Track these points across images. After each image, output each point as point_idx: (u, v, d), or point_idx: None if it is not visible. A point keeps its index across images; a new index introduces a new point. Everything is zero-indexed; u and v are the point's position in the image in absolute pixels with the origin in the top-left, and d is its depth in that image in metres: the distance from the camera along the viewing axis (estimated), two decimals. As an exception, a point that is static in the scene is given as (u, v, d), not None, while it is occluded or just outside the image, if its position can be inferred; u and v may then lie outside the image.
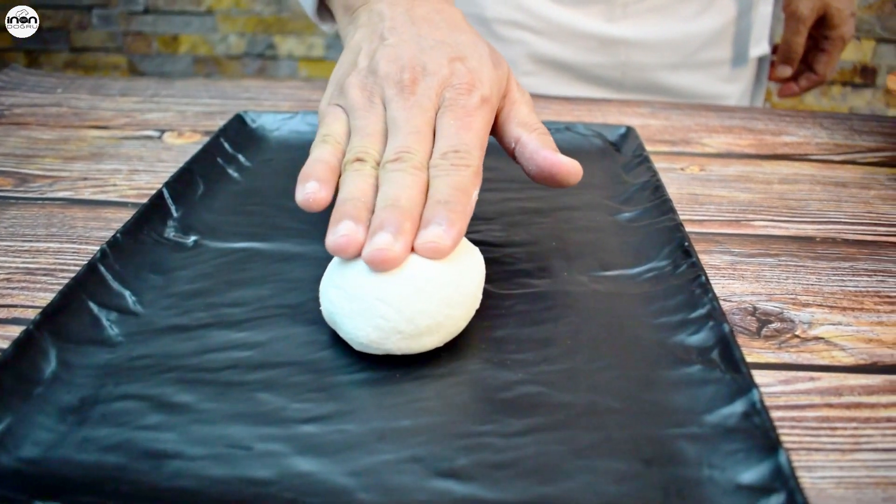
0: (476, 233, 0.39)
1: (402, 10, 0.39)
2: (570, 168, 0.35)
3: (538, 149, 0.35)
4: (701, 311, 0.31)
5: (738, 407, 0.26)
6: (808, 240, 0.42)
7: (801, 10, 0.70)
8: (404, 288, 0.28)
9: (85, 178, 0.46)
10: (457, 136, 0.33)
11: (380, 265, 0.28)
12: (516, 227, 0.40)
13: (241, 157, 0.47)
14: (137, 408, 0.26)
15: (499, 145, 0.38)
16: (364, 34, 0.39)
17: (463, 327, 0.30)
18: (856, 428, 0.27)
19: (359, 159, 0.33)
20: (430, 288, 0.28)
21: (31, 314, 0.32)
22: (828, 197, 0.47)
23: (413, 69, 0.35)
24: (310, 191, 0.31)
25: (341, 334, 0.29)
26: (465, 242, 0.33)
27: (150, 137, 0.53)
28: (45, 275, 0.36)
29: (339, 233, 0.29)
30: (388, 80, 0.35)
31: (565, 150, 0.50)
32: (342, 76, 0.37)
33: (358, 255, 0.29)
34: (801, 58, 0.74)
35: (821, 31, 0.72)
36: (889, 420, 0.28)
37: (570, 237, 0.39)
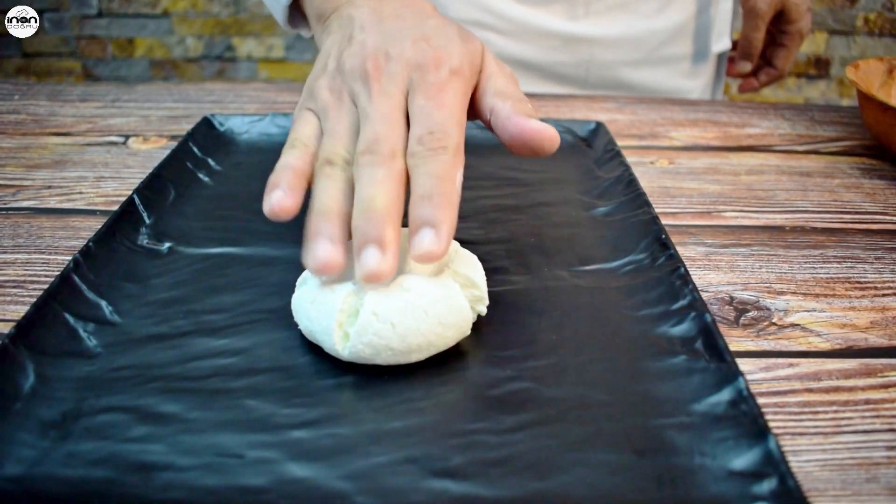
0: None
1: (370, 11, 0.38)
2: (544, 133, 0.33)
3: (510, 115, 0.34)
4: (682, 303, 0.31)
5: (725, 395, 0.26)
6: (778, 229, 0.42)
7: (759, 5, 0.71)
8: (398, 301, 0.28)
9: (49, 187, 0.45)
10: (430, 116, 0.32)
11: (374, 282, 0.28)
12: (493, 225, 0.40)
13: (210, 162, 0.47)
14: (122, 420, 0.26)
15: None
16: (334, 39, 0.38)
17: (452, 345, 0.30)
18: (836, 411, 0.28)
19: (329, 162, 0.32)
20: (425, 304, 0.28)
21: (4, 328, 0.31)
22: (794, 186, 0.48)
23: (375, 58, 0.34)
24: (275, 200, 0.30)
25: (326, 349, 0.29)
26: (469, 256, 0.32)
27: (114, 143, 0.52)
28: (14, 287, 0.35)
29: (318, 257, 0.28)
30: (353, 73, 0.34)
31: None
32: (312, 80, 0.37)
33: (338, 273, 0.29)
34: (760, 53, 0.75)
35: (779, 26, 0.74)
36: (867, 402, 0.29)
37: (548, 233, 0.39)
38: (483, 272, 0.32)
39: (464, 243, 0.36)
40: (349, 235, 0.29)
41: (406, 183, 0.31)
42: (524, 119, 0.33)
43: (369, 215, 0.29)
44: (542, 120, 0.53)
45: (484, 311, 0.31)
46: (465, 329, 0.29)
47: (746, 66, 0.76)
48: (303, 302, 0.30)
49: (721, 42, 0.76)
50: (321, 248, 0.28)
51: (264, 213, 0.30)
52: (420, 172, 0.30)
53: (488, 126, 0.36)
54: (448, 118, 0.32)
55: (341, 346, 0.28)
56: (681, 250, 0.39)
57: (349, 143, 0.33)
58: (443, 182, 0.30)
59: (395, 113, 0.32)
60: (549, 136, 0.33)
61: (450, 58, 0.34)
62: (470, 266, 0.32)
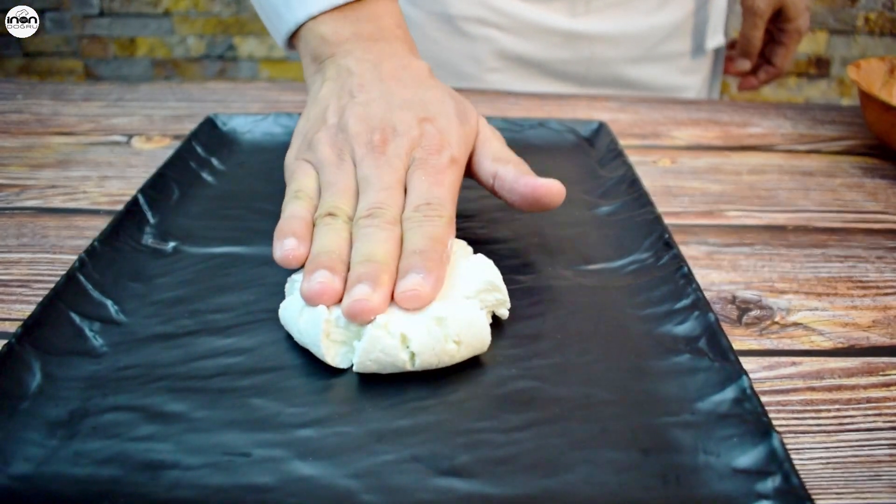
0: (458, 230, 0.39)
1: (370, 67, 0.39)
2: (553, 188, 0.35)
3: (517, 177, 0.36)
4: (686, 302, 0.32)
5: (729, 393, 0.26)
6: (780, 228, 0.43)
7: (758, 4, 0.71)
8: (412, 317, 0.28)
9: (53, 186, 0.45)
10: (429, 191, 0.34)
11: (359, 316, 0.28)
12: (497, 224, 0.41)
13: (214, 161, 0.47)
14: (129, 419, 0.26)
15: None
16: (332, 89, 0.39)
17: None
18: (839, 409, 0.28)
19: (330, 214, 0.33)
20: (443, 324, 0.28)
21: (10, 327, 0.32)
22: (796, 186, 0.49)
23: (383, 130, 0.36)
24: (288, 247, 0.32)
25: (327, 361, 0.29)
26: (484, 260, 0.32)
27: (117, 143, 0.52)
28: (20, 286, 0.35)
29: (315, 280, 0.29)
30: (359, 139, 0.36)
31: (539, 146, 0.51)
32: (311, 131, 0.38)
33: (332, 303, 0.29)
34: (759, 51, 0.75)
35: (777, 24, 0.74)
36: (869, 400, 0.29)
37: (551, 232, 0.39)
38: (500, 274, 0.32)
39: (467, 242, 0.36)
40: (346, 272, 0.30)
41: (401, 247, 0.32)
42: (532, 179, 0.36)
43: (367, 263, 0.30)
44: (543, 120, 0.53)
45: (506, 314, 0.31)
46: (481, 349, 0.29)
47: (746, 65, 0.76)
48: (291, 311, 0.30)
49: (716, 38, 0.76)
50: (319, 274, 0.29)
51: (276, 259, 0.32)
52: (415, 232, 0.32)
53: (490, 189, 0.38)
54: (445, 195, 0.34)
55: (331, 356, 0.29)
56: (683, 249, 0.39)
57: (350, 199, 0.34)
58: (435, 242, 0.31)
59: (397, 184, 0.34)
60: (558, 191, 0.35)
61: (450, 146, 0.36)
62: (489, 270, 0.32)
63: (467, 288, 0.31)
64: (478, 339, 0.29)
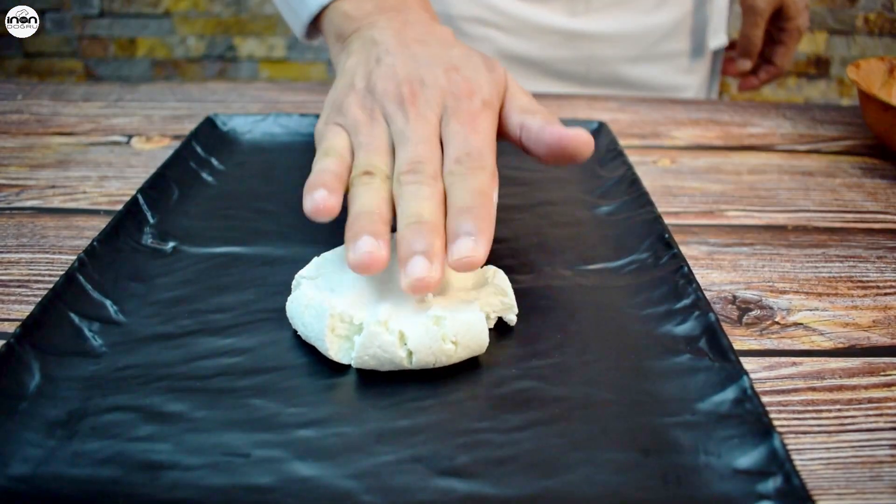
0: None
1: (394, 34, 0.39)
2: (580, 137, 0.34)
3: (543, 126, 0.35)
4: (686, 302, 0.32)
5: (730, 394, 0.26)
6: (780, 228, 0.43)
7: (758, 3, 0.71)
8: (412, 315, 0.28)
9: (53, 186, 0.45)
10: (466, 140, 0.33)
11: (421, 291, 0.28)
12: (497, 224, 0.40)
13: (214, 161, 0.47)
14: (128, 419, 0.26)
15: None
16: (358, 59, 0.39)
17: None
18: (839, 410, 0.28)
19: (368, 172, 0.32)
20: (442, 323, 0.28)
21: (10, 327, 0.32)
22: (796, 186, 0.48)
23: (411, 83, 0.35)
24: (319, 198, 0.30)
25: (329, 355, 0.29)
26: (501, 278, 0.32)
27: (117, 143, 0.52)
28: (19, 286, 0.35)
29: (361, 249, 0.28)
30: (388, 96, 0.35)
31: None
32: (339, 97, 0.37)
33: (382, 269, 0.29)
34: (759, 51, 0.75)
35: (777, 23, 0.74)
36: (870, 401, 0.29)
37: (551, 232, 0.39)
38: (507, 279, 0.32)
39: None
40: (390, 239, 0.30)
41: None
42: (559, 127, 0.34)
43: (417, 227, 0.29)
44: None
45: (514, 319, 0.31)
46: (478, 351, 0.29)
47: (746, 64, 0.76)
48: (297, 306, 0.30)
49: (718, 38, 0.76)
50: (364, 242, 0.28)
51: (306, 211, 0.30)
52: (459, 188, 0.31)
53: (518, 143, 0.36)
54: (483, 143, 0.33)
55: (335, 351, 0.29)
56: (683, 249, 0.39)
57: (387, 157, 0.33)
58: (482, 196, 0.31)
59: (433, 136, 0.34)
60: (586, 140, 0.34)
61: (480, 89, 0.36)
62: (496, 275, 0.32)
63: (472, 290, 0.31)
64: (476, 341, 0.29)
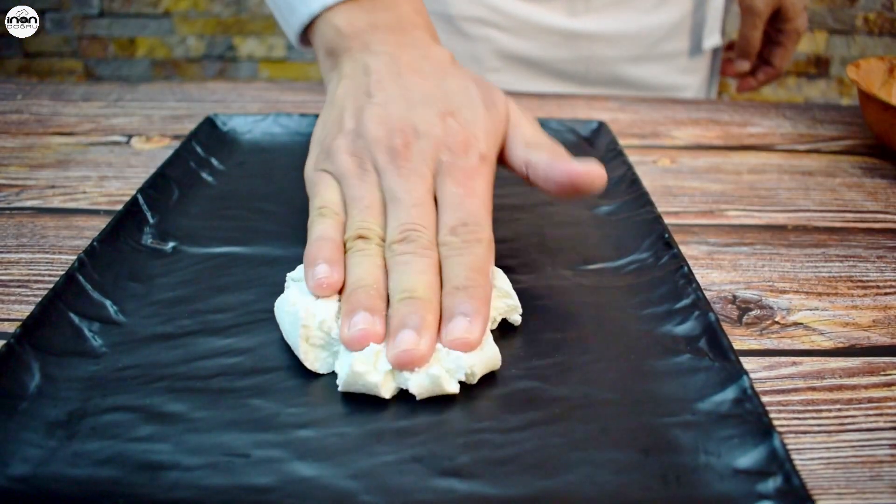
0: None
1: (388, 60, 0.37)
2: (592, 173, 0.32)
3: (551, 164, 0.33)
4: (686, 301, 0.32)
5: (730, 394, 0.26)
6: (780, 228, 0.43)
7: (756, 4, 0.71)
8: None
9: (53, 186, 0.45)
10: (462, 205, 0.31)
11: (408, 366, 0.27)
12: (496, 224, 0.40)
13: (214, 161, 0.47)
14: (128, 419, 0.26)
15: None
16: (348, 88, 0.37)
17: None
18: (839, 409, 0.28)
19: (361, 237, 0.31)
20: (444, 353, 0.27)
21: (10, 327, 0.32)
22: (796, 186, 0.48)
23: (404, 132, 0.34)
24: (321, 275, 0.30)
25: (307, 365, 0.28)
26: (502, 279, 0.31)
27: (117, 143, 0.52)
28: (19, 286, 0.35)
29: (357, 325, 0.28)
30: (379, 145, 0.34)
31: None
32: (328, 138, 0.36)
33: (379, 342, 0.28)
34: (757, 52, 0.75)
35: (775, 24, 0.74)
36: (870, 400, 0.29)
37: (551, 232, 0.39)
38: (508, 279, 0.32)
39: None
40: (385, 310, 0.29)
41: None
42: (567, 163, 0.33)
43: (410, 302, 0.28)
44: (544, 120, 0.53)
45: (519, 320, 0.31)
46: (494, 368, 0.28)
47: (745, 65, 0.76)
48: (280, 310, 0.30)
49: (713, 38, 0.76)
50: (360, 317, 0.28)
51: (310, 288, 0.30)
52: (455, 263, 0.30)
53: (524, 178, 0.35)
54: (480, 208, 0.32)
55: (310, 361, 0.28)
56: (683, 249, 0.39)
57: (379, 216, 0.32)
58: (478, 274, 0.30)
59: (427, 196, 0.32)
60: (598, 175, 0.33)
61: (477, 140, 0.34)
62: (498, 277, 0.32)
63: None
64: (488, 366, 0.28)
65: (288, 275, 0.32)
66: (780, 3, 0.72)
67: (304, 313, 0.29)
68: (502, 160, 0.36)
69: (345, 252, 0.31)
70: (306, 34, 0.44)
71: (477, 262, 0.30)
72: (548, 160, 0.34)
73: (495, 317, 0.31)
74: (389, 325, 0.28)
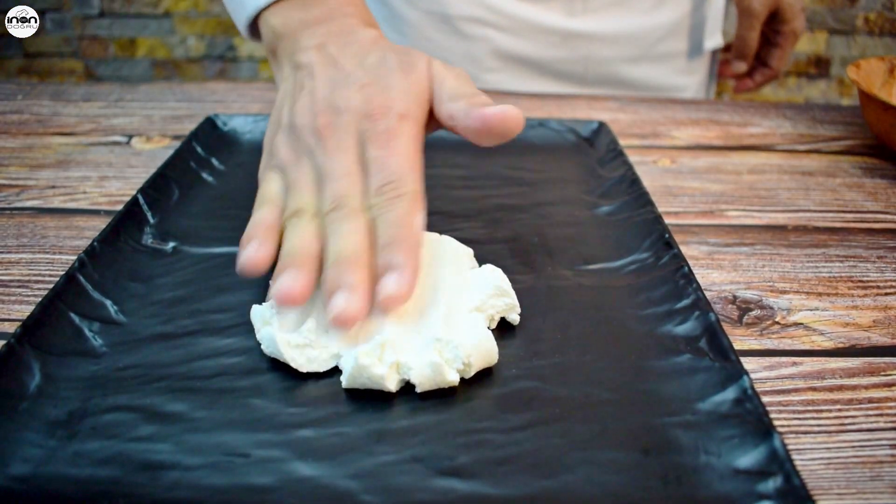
0: (458, 230, 0.39)
1: (315, 52, 0.39)
2: (506, 114, 0.33)
3: (468, 111, 0.34)
4: (686, 302, 0.32)
5: (730, 394, 0.26)
6: (780, 228, 0.43)
7: (753, 5, 0.71)
8: (416, 342, 0.28)
9: (53, 187, 0.45)
10: (385, 166, 0.33)
11: (343, 324, 0.28)
12: (497, 224, 0.40)
13: (214, 161, 0.47)
14: (129, 419, 0.26)
15: (466, 141, 0.37)
16: (286, 89, 0.39)
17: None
18: (840, 410, 0.28)
19: (296, 213, 0.32)
20: (446, 346, 0.28)
21: (10, 327, 0.32)
22: (796, 186, 0.48)
23: (326, 113, 0.35)
24: (248, 253, 0.31)
25: (297, 368, 0.28)
26: (489, 267, 0.32)
27: (117, 143, 0.52)
28: (19, 286, 0.35)
29: (282, 282, 0.29)
30: (305, 130, 0.35)
31: (539, 146, 0.51)
32: (270, 137, 0.38)
33: (302, 303, 0.29)
34: (755, 53, 0.75)
35: (773, 26, 0.74)
36: (871, 401, 0.29)
37: (551, 232, 0.39)
38: (508, 279, 0.32)
39: (467, 243, 0.36)
40: (317, 278, 0.30)
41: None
42: (482, 109, 0.34)
43: (338, 264, 0.29)
44: (543, 120, 0.53)
45: (517, 319, 0.31)
46: (490, 364, 0.29)
47: (742, 67, 0.76)
48: (258, 333, 0.30)
49: (714, 39, 0.76)
50: (286, 275, 0.29)
51: (237, 269, 0.31)
52: (381, 222, 0.31)
53: (454, 132, 0.36)
54: (402, 164, 0.33)
55: (301, 364, 0.28)
56: (684, 249, 0.39)
57: (312, 194, 0.33)
58: (401, 228, 0.30)
59: (353, 167, 0.33)
60: (513, 116, 0.34)
61: (394, 102, 0.35)
62: (496, 276, 0.32)
63: (475, 298, 0.31)
64: (484, 360, 0.28)
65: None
66: (777, 5, 0.72)
67: (276, 321, 0.29)
68: (433, 120, 0.37)
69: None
70: (257, 30, 0.45)
71: (400, 215, 0.31)
72: (465, 108, 0.35)
73: (493, 315, 0.31)
74: (322, 289, 0.29)
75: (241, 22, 0.45)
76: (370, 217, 0.31)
